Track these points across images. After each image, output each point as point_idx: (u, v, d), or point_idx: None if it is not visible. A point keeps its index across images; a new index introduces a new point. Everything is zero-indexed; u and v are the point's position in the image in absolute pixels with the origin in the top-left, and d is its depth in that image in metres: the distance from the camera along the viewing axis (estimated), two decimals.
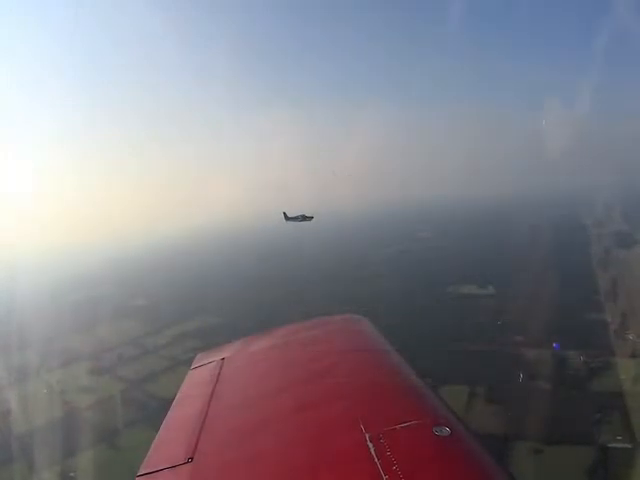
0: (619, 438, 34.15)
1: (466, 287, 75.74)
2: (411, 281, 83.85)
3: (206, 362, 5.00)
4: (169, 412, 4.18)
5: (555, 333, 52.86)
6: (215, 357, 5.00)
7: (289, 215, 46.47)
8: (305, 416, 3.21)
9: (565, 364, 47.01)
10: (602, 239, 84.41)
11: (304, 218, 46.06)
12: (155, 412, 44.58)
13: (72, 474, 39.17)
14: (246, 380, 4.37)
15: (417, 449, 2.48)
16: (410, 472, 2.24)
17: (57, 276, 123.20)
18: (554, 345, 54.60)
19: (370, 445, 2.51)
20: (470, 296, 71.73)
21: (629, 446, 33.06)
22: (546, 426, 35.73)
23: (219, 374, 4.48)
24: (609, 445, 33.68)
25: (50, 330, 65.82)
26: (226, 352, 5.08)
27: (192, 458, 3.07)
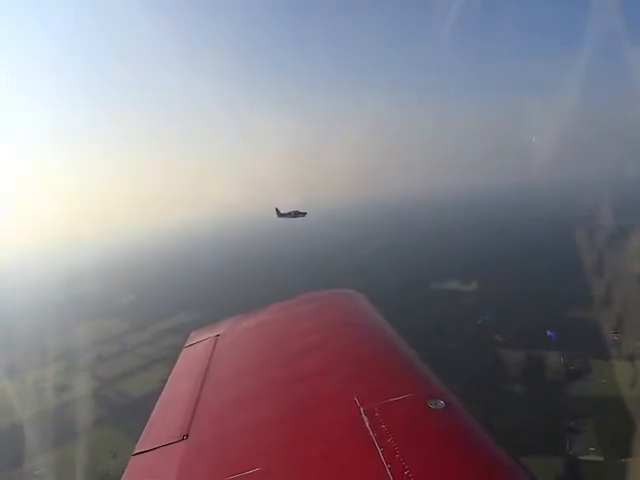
0: (592, 450, 31.51)
1: (450, 283, 73.00)
2: (395, 277, 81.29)
3: (200, 340, 4.89)
4: (163, 390, 4.07)
5: (537, 332, 50.38)
6: (209, 334, 4.89)
7: (281, 211, 44.45)
8: (300, 390, 3.15)
9: (543, 366, 44.34)
10: (595, 234, 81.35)
11: (297, 214, 44.10)
12: (123, 411, 46.25)
13: (37, 472, 40.00)
14: (240, 356, 4.31)
15: (412, 422, 2.47)
16: (405, 444, 2.24)
17: (51, 272, 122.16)
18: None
19: (365, 418, 2.49)
20: (453, 293, 68.98)
21: (601, 459, 30.34)
22: (515, 434, 33.07)
23: (213, 351, 4.41)
24: (580, 457, 31.03)
25: (35, 328, 65.76)
26: (220, 329, 4.95)
27: (187, 435, 3.02)
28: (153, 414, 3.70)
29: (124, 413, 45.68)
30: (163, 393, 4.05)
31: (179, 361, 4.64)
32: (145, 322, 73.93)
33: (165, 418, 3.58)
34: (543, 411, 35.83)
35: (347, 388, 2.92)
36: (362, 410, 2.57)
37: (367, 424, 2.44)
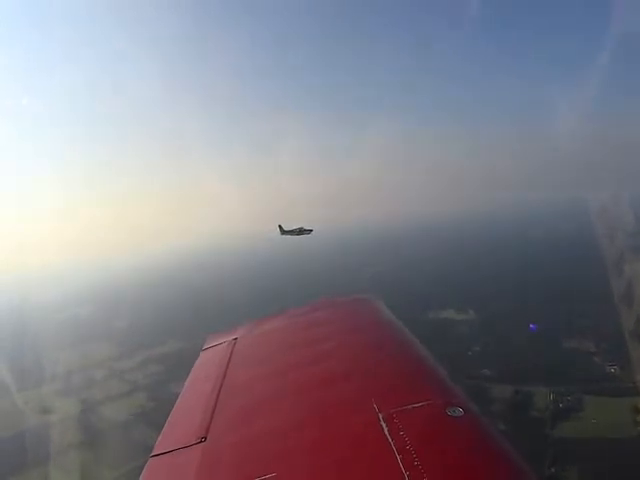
0: None
1: (446, 311, 70.17)
2: (392, 302, 78.61)
3: (217, 343, 4.88)
4: (182, 392, 4.07)
5: (529, 364, 47.46)
6: (227, 338, 4.87)
7: (285, 228, 42.02)
8: (318, 395, 3.14)
9: (530, 403, 41.23)
10: (599, 257, 77.87)
11: (301, 231, 41.73)
12: (102, 435, 46.98)
13: None
14: (258, 360, 4.27)
15: (430, 429, 2.47)
16: (423, 451, 2.23)
17: (55, 293, 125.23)
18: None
19: (383, 425, 2.48)
20: (448, 322, 66.04)
21: None
22: None
23: (231, 354, 4.39)
24: None
25: (30, 348, 66.78)
26: (238, 333, 4.92)
27: (205, 438, 3.01)
28: (171, 416, 3.67)
29: (100, 438, 46.42)
30: (181, 395, 4.02)
31: (197, 364, 4.63)
32: (137, 347, 74.22)
33: (183, 420, 3.56)
34: (521, 455, 32.74)
35: (365, 394, 2.88)
36: (380, 416, 2.56)
37: (385, 430, 2.43)
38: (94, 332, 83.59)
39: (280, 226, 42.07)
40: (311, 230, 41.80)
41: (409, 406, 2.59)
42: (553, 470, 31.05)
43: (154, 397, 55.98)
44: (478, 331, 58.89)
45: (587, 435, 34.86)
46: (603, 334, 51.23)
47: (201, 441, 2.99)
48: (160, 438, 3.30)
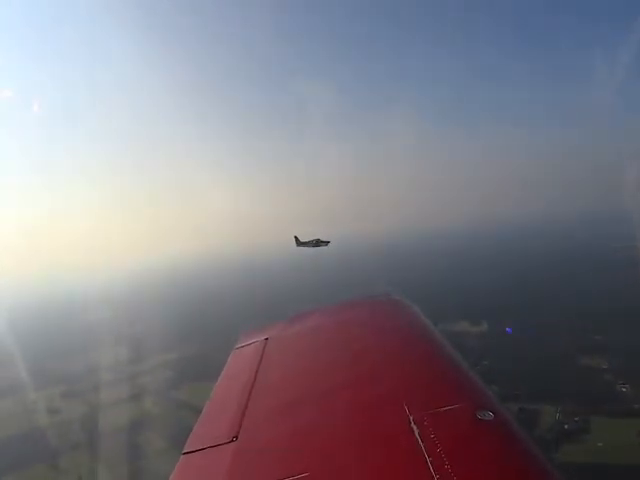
0: None
1: (459, 324, 69.02)
2: None
3: (250, 342, 4.99)
4: (213, 390, 4.15)
5: (537, 380, 46.47)
6: (258, 337, 5.00)
7: (301, 239, 41.22)
8: (349, 396, 3.17)
9: (535, 423, 40.25)
10: (618, 269, 75.08)
11: (318, 243, 40.67)
12: (104, 437, 47.02)
13: None
14: (290, 359, 4.37)
15: (461, 432, 2.46)
16: (454, 455, 2.22)
17: (63, 299, 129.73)
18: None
19: (414, 427, 2.48)
20: (459, 334, 65.06)
21: None
22: None
23: (263, 353, 4.49)
24: None
25: (48, 350, 72.95)
26: (269, 332, 5.05)
27: (236, 437, 3.04)
28: (203, 414, 3.75)
29: (103, 440, 46.74)
30: (213, 393, 4.12)
31: (229, 362, 4.74)
32: (147, 353, 75.61)
33: (215, 419, 3.63)
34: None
35: (396, 396, 2.91)
36: (411, 419, 2.58)
37: (416, 433, 2.45)
38: (110, 337, 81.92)
39: (296, 237, 41.23)
40: (328, 242, 40.70)
41: (440, 409, 2.61)
42: None
43: (159, 402, 58.12)
44: (489, 345, 57.90)
45: (590, 460, 33.79)
46: (617, 351, 49.65)
47: (232, 440, 3.03)
48: (192, 436, 3.37)
